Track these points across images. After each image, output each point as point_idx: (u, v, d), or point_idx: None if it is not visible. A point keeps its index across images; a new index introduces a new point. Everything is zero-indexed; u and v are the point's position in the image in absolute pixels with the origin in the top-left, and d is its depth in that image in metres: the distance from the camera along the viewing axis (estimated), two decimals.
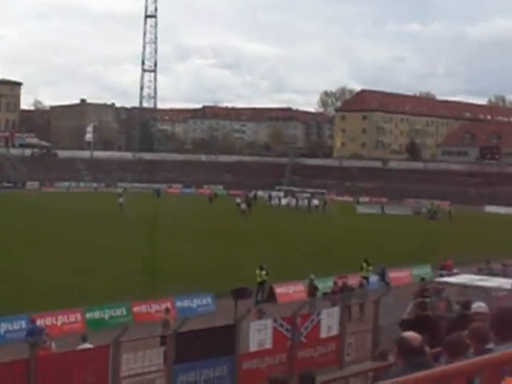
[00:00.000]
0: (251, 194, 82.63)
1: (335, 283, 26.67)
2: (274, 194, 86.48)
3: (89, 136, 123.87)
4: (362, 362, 17.30)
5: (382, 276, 31.46)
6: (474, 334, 5.41)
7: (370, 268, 30.62)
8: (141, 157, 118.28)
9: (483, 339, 5.23)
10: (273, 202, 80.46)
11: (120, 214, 59.51)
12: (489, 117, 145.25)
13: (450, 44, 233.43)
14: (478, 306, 10.00)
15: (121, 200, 64.93)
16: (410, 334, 5.74)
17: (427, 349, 6.45)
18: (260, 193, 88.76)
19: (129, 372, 14.96)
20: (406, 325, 10.17)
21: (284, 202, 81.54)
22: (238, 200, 72.19)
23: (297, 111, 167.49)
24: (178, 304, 25.06)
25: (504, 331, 4.63)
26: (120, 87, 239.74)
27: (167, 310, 21.43)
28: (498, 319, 4.81)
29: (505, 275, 27.42)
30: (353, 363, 18.44)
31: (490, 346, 5.07)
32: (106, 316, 23.14)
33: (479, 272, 27.62)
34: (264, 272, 28.32)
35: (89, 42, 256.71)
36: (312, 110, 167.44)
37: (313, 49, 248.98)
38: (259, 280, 28.17)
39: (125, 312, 23.69)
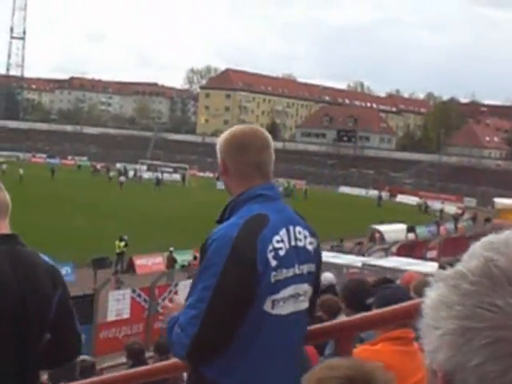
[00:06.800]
0: (100, 166, 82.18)
1: (192, 256, 27.35)
2: (137, 167, 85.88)
3: None
4: None
5: None
6: (324, 306, 5.37)
7: None
8: (5, 125, 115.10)
9: (334, 311, 5.35)
10: (128, 176, 78.77)
11: None
12: (347, 101, 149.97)
13: (312, 28, 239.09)
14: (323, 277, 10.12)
15: (3, 167, 66.68)
16: None
17: None
18: (121, 165, 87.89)
19: None
20: None
21: (146, 175, 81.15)
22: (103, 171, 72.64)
23: (163, 87, 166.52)
24: None
25: (354, 302, 4.77)
26: None
27: None
28: (349, 291, 5.01)
29: (357, 253, 29.04)
30: None
31: (342, 317, 5.51)
32: None
33: (331, 249, 28.93)
34: (123, 243, 28.71)
35: None
36: (178, 86, 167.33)
37: (180, 25, 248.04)
38: (118, 251, 28.55)
39: None
